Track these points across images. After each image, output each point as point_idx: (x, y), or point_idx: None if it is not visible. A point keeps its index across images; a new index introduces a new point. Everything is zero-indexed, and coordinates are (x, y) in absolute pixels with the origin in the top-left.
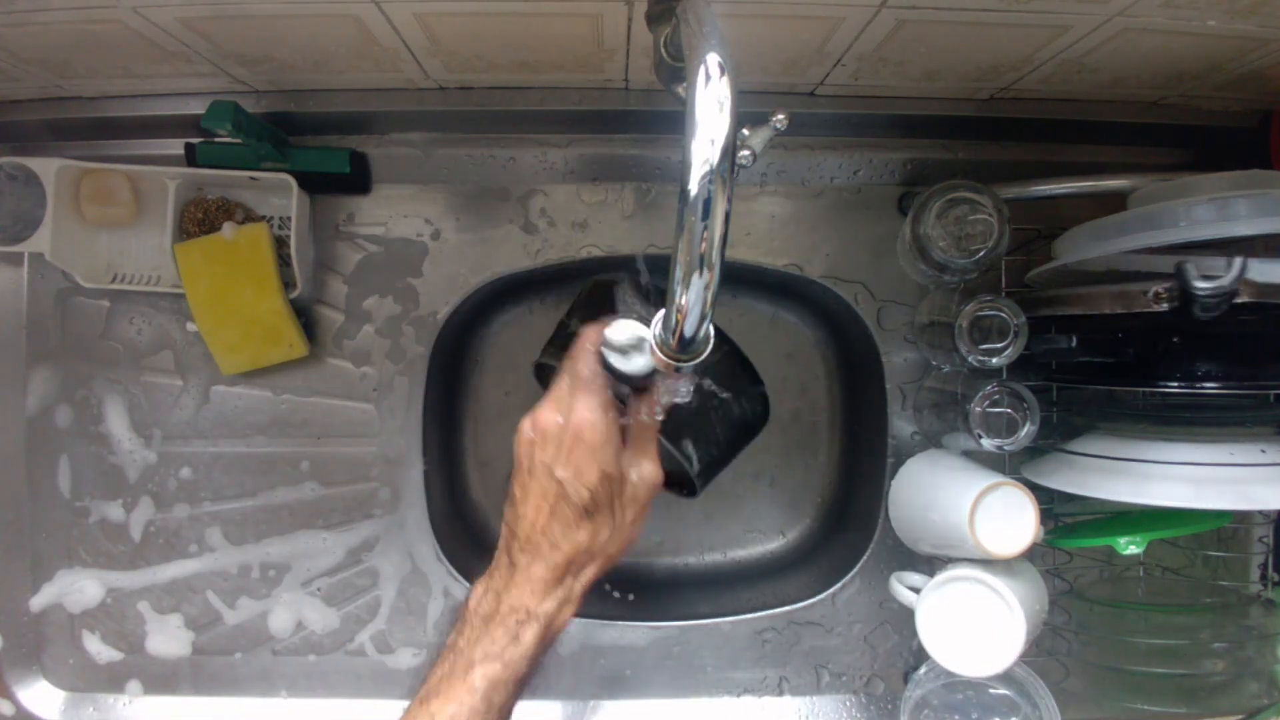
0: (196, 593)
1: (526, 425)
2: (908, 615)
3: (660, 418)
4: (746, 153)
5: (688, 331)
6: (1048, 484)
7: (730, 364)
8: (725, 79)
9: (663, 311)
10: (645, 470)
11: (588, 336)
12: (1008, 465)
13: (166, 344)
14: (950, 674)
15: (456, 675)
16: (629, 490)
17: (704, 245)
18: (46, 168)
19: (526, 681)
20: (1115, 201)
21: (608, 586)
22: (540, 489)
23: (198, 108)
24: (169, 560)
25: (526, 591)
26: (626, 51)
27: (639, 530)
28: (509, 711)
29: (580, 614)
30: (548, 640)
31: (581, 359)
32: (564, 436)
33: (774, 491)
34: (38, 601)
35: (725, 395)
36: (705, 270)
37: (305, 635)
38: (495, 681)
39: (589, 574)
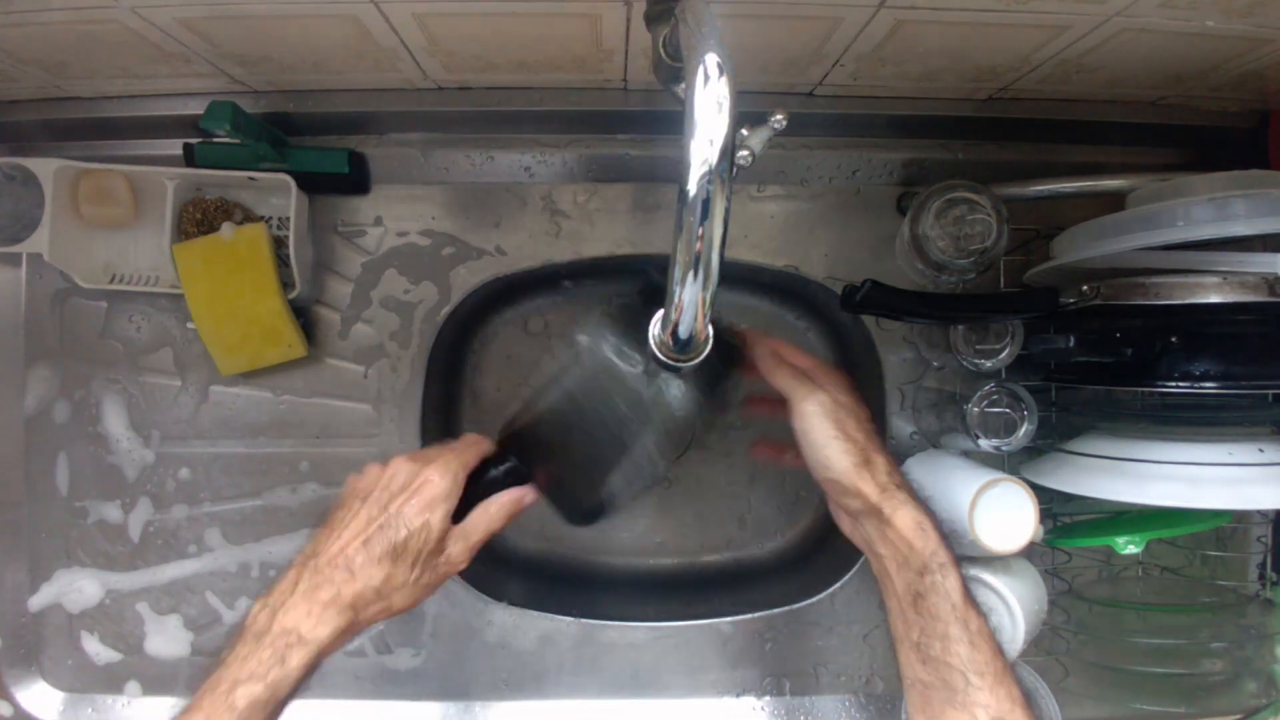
0: (195, 593)
1: (388, 462)
2: None
3: (496, 528)
4: (745, 153)
5: (684, 331)
6: (1046, 484)
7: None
8: (724, 79)
9: (661, 312)
10: (457, 551)
11: (469, 441)
12: (1006, 465)
13: (166, 342)
14: None
15: (220, 691)
16: (439, 558)
17: (702, 245)
18: (45, 168)
19: (288, 702)
20: (1114, 201)
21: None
22: (367, 516)
23: (196, 108)
24: (168, 561)
25: (304, 613)
26: (625, 52)
27: (423, 598)
28: None
29: (580, 614)
30: (314, 665)
31: (466, 443)
32: (413, 480)
33: (773, 492)
34: (36, 602)
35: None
36: (703, 270)
37: None
38: (255, 702)
39: (370, 614)
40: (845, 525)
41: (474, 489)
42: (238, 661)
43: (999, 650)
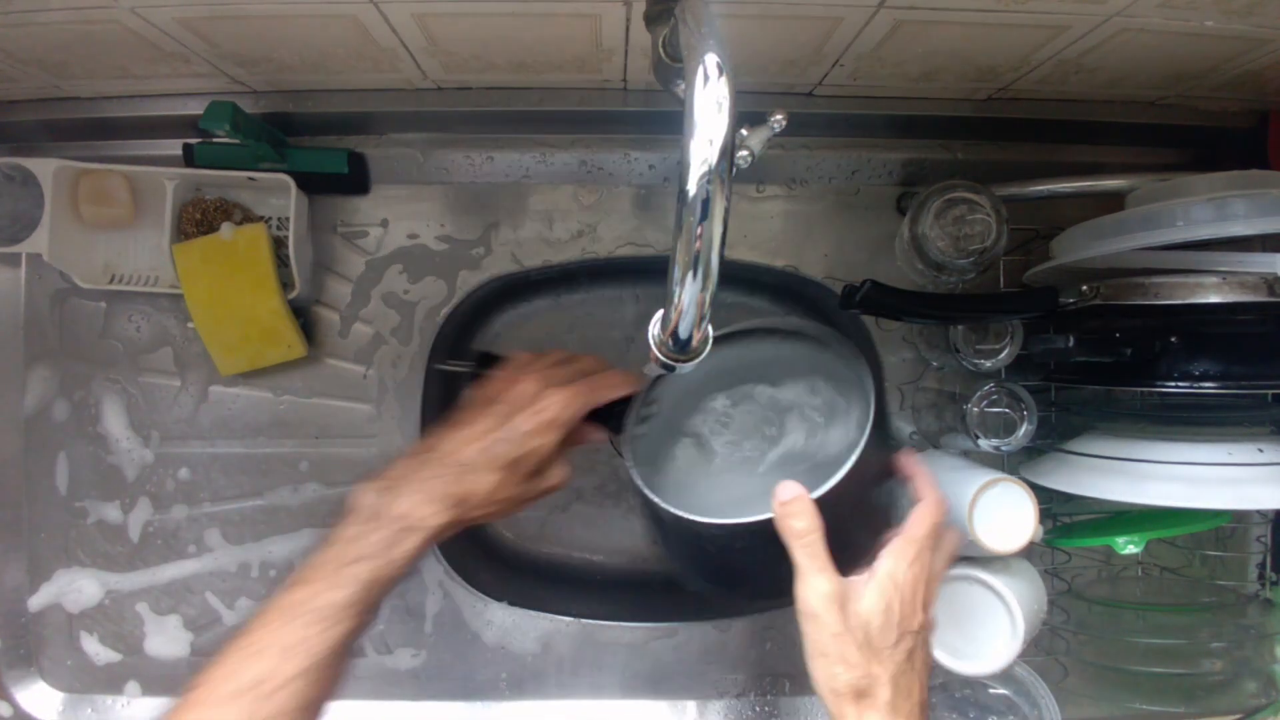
0: (195, 594)
1: (517, 376)
2: None
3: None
4: (745, 153)
5: (683, 332)
6: (1046, 484)
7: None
8: (723, 79)
9: (661, 312)
10: (559, 473)
11: (612, 381)
12: (1006, 465)
13: (165, 342)
14: (949, 673)
15: (333, 567)
16: (544, 474)
17: (702, 245)
18: (44, 168)
19: (400, 580)
20: (1113, 201)
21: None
22: (490, 422)
23: (196, 108)
24: (167, 561)
25: (420, 500)
26: (625, 52)
27: (521, 510)
28: (378, 605)
29: (580, 614)
30: (423, 552)
31: (608, 382)
32: (536, 401)
33: None
34: (36, 601)
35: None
36: (703, 270)
37: None
38: (372, 580)
39: (473, 515)
40: None
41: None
42: (348, 541)
43: None
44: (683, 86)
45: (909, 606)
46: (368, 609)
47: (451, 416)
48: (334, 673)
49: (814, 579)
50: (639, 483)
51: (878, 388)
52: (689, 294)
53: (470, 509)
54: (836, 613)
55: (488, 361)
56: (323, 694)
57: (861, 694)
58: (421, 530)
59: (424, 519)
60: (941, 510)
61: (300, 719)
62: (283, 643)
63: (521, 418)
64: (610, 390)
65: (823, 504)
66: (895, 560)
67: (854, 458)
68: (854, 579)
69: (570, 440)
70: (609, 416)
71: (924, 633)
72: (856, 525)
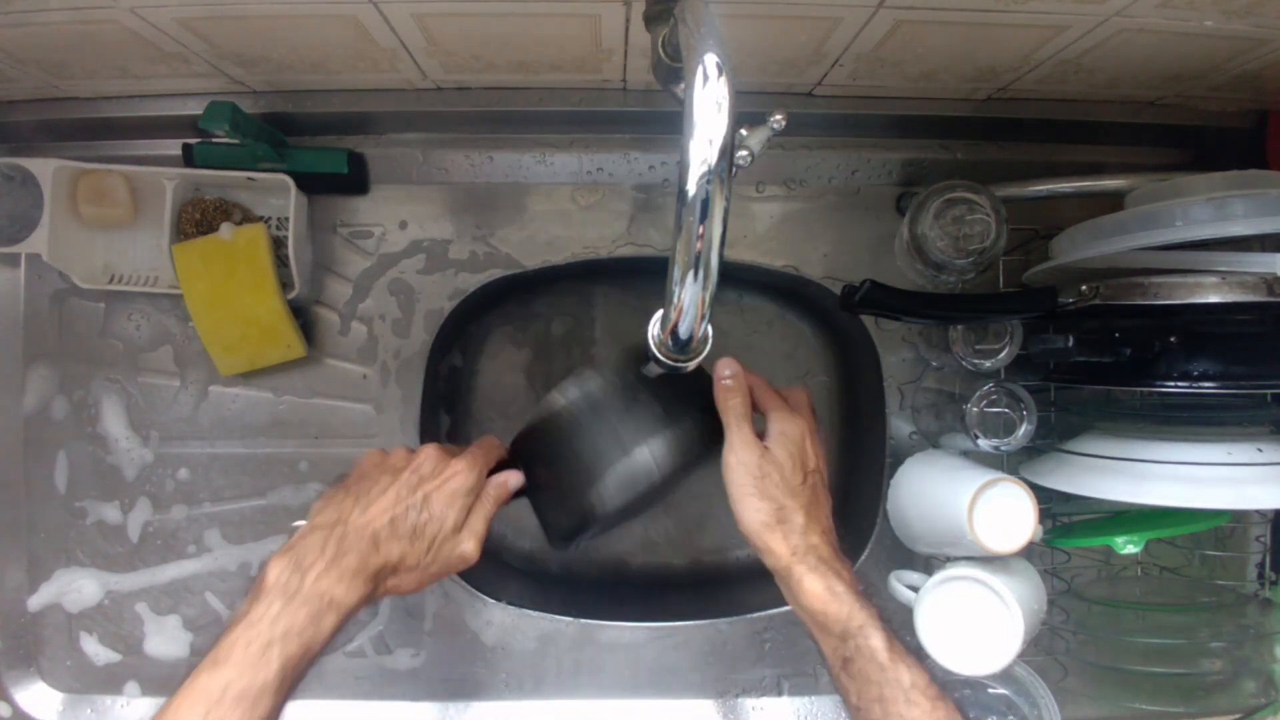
0: (195, 594)
1: (417, 448)
2: (906, 614)
3: (491, 514)
4: (744, 153)
5: (683, 332)
6: (1046, 484)
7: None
8: (723, 79)
9: (660, 312)
10: (468, 546)
11: (489, 445)
12: (1005, 465)
13: (165, 341)
14: (949, 673)
15: (254, 647)
16: (449, 548)
17: (701, 245)
18: (43, 168)
19: (319, 657)
20: (1113, 201)
21: None
22: (395, 495)
23: (195, 108)
24: (167, 561)
25: (336, 578)
26: (624, 52)
27: (428, 583)
28: (297, 684)
29: (580, 614)
30: (343, 625)
31: (487, 446)
32: (443, 470)
33: None
34: (36, 601)
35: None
36: (702, 270)
37: None
38: (290, 658)
39: (385, 589)
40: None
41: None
42: (269, 621)
43: (940, 697)
44: (682, 86)
45: (805, 453)
46: (288, 688)
47: (347, 484)
48: None
49: (742, 442)
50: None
51: (877, 387)
52: (689, 294)
53: (384, 581)
54: (757, 465)
55: None
56: None
57: (781, 521)
58: (342, 607)
59: (344, 596)
60: (769, 388)
61: None
62: None
63: (430, 486)
64: (498, 450)
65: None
66: (781, 422)
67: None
68: (763, 441)
69: (484, 508)
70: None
71: (820, 473)
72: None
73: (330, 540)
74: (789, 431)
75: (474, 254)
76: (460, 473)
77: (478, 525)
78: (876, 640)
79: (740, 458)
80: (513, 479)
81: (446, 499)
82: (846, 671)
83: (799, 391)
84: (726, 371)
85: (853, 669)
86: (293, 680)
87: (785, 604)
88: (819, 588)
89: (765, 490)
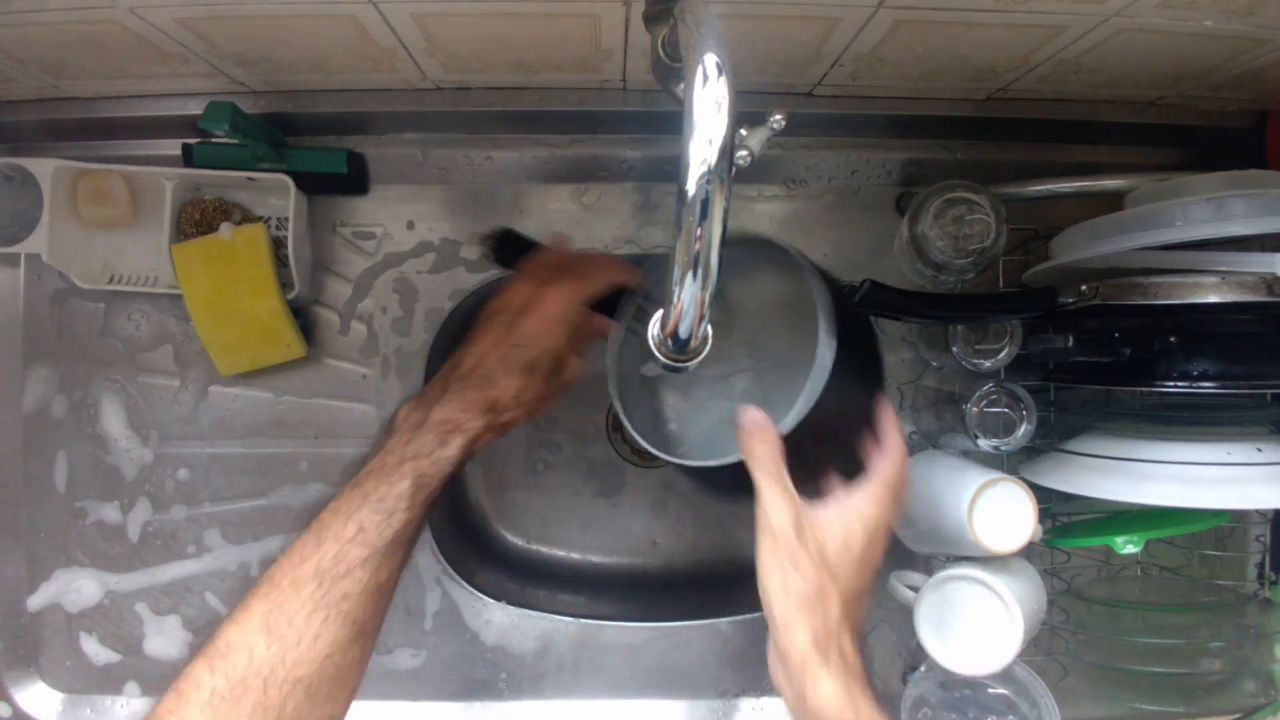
0: (195, 594)
1: (514, 283)
2: (906, 614)
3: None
4: (744, 153)
5: (683, 332)
6: (1045, 484)
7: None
8: (723, 79)
9: (660, 312)
10: (575, 365)
11: (604, 266)
12: (1005, 465)
13: (165, 339)
14: (948, 673)
15: (388, 468)
16: (561, 372)
17: (701, 245)
18: (43, 168)
19: (447, 483)
20: (1112, 201)
21: None
22: (500, 333)
23: (195, 108)
24: (167, 561)
25: (458, 408)
26: (624, 52)
27: (546, 409)
28: (430, 506)
29: (580, 614)
30: (469, 453)
31: (601, 269)
32: (539, 301)
33: None
34: (36, 601)
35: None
36: (702, 270)
37: None
38: (422, 475)
39: (505, 418)
40: (775, 681)
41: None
42: (399, 446)
43: None
44: (682, 87)
45: (870, 547)
46: (421, 504)
47: (466, 336)
48: (396, 561)
49: (773, 500)
50: (625, 422)
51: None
52: (689, 294)
53: (500, 413)
54: (793, 531)
55: (508, 243)
56: (388, 579)
57: (810, 601)
58: (466, 431)
59: (466, 421)
60: (905, 461)
61: (369, 601)
62: (346, 534)
63: (526, 321)
64: (603, 277)
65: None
66: (864, 500)
67: (808, 392)
68: (816, 506)
69: (582, 334)
70: (613, 307)
71: (871, 589)
72: (819, 448)
73: (451, 381)
74: (865, 513)
75: (473, 254)
76: (547, 304)
77: (579, 346)
78: None
79: (772, 521)
80: (606, 326)
81: (543, 329)
82: None
83: (897, 460)
84: (745, 422)
85: None
86: (423, 498)
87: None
88: (837, 695)
89: (798, 563)
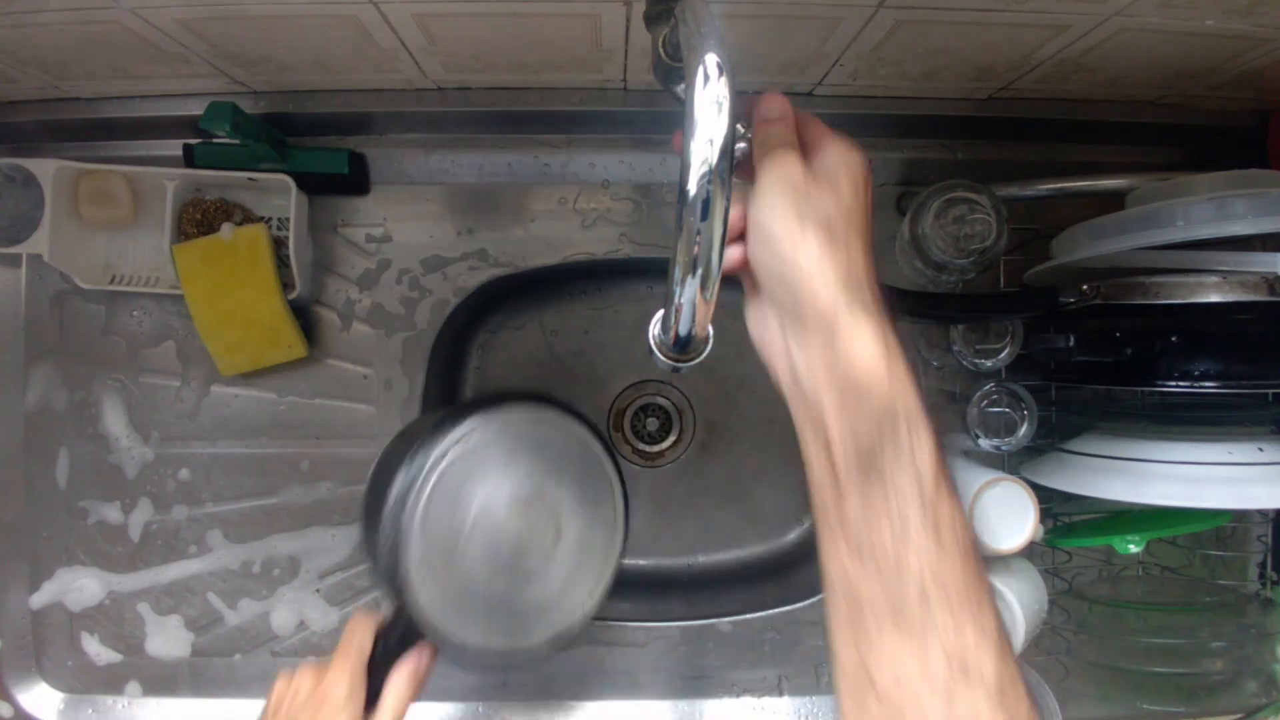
0: (196, 594)
1: (283, 680)
2: None
3: (410, 698)
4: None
5: (683, 331)
6: (1046, 483)
7: None
8: (724, 79)
9: (661, 312)
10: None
11: (355, 627)
12: (1006, 465)
13: (166, 340)
14: None
15: None
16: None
17: (701, 245)
18: (44, 169)
19: None
20: (1114, 201)
21: None
22: None
23: (196, 109)
24: (168, 561)
25: None
26: (625, 52)
27: None
28: None
29: None
30: None
31: (353, 631)
32: (314, 693)
33: (774, 492)
34: (37, 601)
35: None
36: (703, 270)
37: (305, 636)
38: None
39: None
40: (771, 351)
41: (379, 667)
42: None
43: (979, 567)
44: (683, 87)
45: (864, 182)
46: None
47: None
48: None
49: (788, 157)
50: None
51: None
52: (689, 294)
53: None
54: (802, 178)
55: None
56: None
57: (833, 244)
58: None
59: None
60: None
61: None
62: None
63: (304, 717)
64: (361, 634)
65: None
66: (841, 151)
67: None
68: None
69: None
70: (393, 653)
71: (871, 217)
72: None
73: None
74: (850, 160)
75: (475, 254)
76: (329, 691)
77: (388, 713)
78: (924, 445)
79: (775, 178)
80: (424, 658)
81: (329, 715)
82: (861, 471)
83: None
84: (775, 112)
85: (872, 469)
86: None
87: (785, 604)
88: (873, 343)
89: (810, 208)
